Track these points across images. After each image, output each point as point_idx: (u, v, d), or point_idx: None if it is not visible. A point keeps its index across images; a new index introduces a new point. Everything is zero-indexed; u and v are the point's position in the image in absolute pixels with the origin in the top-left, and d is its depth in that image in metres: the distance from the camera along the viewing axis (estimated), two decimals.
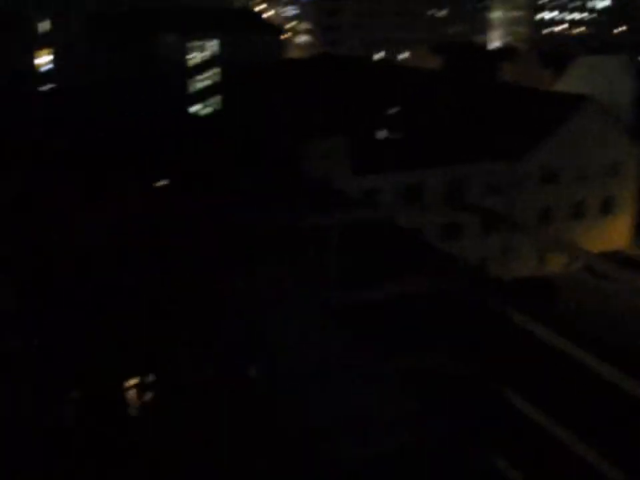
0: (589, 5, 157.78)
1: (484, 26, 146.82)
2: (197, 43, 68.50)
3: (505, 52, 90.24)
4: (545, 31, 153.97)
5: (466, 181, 43.68)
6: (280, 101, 54.34)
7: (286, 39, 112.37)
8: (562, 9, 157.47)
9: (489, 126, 46.42)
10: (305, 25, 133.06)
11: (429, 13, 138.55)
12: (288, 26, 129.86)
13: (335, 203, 31.07)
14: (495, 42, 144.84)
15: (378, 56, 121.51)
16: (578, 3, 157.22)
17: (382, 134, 51.63)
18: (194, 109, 67.78)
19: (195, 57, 68.79)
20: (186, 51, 68.10)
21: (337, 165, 40.04)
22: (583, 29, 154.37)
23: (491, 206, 43.51)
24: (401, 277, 21.86)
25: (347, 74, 63.04)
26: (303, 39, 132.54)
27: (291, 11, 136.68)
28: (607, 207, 49.23)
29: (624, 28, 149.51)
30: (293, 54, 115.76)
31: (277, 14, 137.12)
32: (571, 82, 53.65)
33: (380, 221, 28.83)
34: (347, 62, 72.65)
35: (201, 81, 69.38)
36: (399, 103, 54.68)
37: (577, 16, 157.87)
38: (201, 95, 68.87)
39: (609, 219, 49.55)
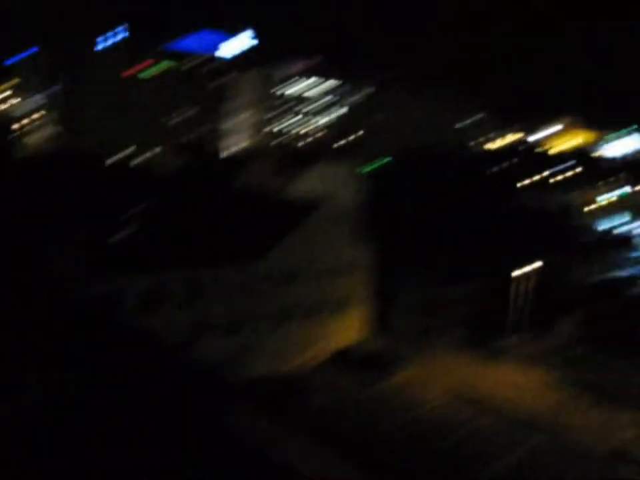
0: (323, 113, 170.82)
1: (223, 130, 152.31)
2: None
3: (242, 157, 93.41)
4: (281, 138, 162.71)
5: (208, 283, 43.24)
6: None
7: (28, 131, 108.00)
8: (297, 115, 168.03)
9: (226, 229, 46.65)
10: (53, 115, 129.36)
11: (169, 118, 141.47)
12: (36, 115, 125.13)
13: None
14: (233, 147, 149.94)
15: (125, 152, 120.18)
16: (313, 111, 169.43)
17: (120, 235, 49.90)
18: None
19: None
20: None
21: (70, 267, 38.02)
22: (316, 135, 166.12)
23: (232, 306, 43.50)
24: None
25: (85, 172, 60.77)
26: (47, 131, 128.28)
27: (40, 100, 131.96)
28: (340, 305, 51.27)
29: (351, 137, 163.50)
30: (37, 147, 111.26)
31: (21, 103, 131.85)
32: (303, 185, 56.20)
33: None
34: (85, 158, 70.25)
35: None
36: (138, 203, 53.41)
37: (310, 124, 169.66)
38: None
39: (342, 316, 51.58)
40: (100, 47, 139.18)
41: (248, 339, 44.27)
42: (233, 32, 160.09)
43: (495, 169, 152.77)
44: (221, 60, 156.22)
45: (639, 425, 42.89)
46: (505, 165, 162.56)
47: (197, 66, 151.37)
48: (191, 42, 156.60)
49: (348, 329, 51.97)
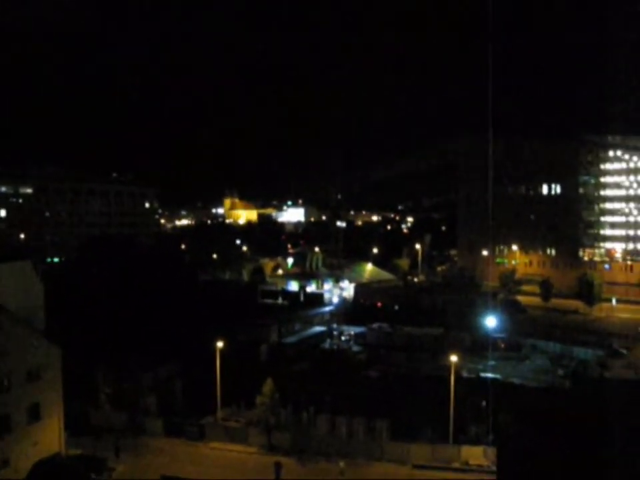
0: None
1: None
2: None
3: None
4: None
5: None
6: None
7: None
8: None
9: None
10: None
11: None
12: None
13: None
14: None
15: None
16: None
17: None
18: None
19: None
20: None
21: None
22: None
23: None
24: None
25: None
26: None
27: None
28: (34, 414, 47.94)
29: (26, 235, 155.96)
30: None
31: None
32: None
33: None
34: None
35: None
36: None
37: None
38: None
39: (38, 426, 48.22)
40: None
41: None
42: None
43: (179, 247, 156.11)
44: None
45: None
46: (189, 242, 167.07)
47: None
48: None
49: (46, 438, 48.68)
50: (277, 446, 52.31)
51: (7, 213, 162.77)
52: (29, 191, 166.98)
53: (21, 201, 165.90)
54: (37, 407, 48.10)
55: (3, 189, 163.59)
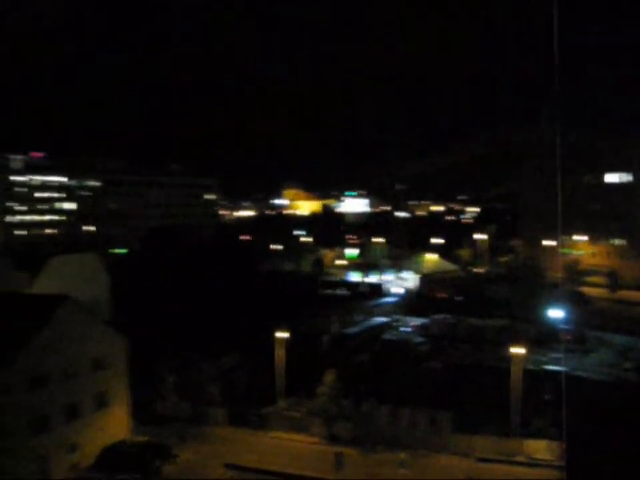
0: (56, 206, 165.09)
1: None
2: None
3: None
4: (17, 233, 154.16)
5: None
6: None
7: None
8: (30, 212, 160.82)
9: None
10: None
11: None
12: None
13: None
14: None
15: None
16: (46, 206, 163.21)
17: None
18: None
19: None
20: None
21: None
22: (55, 230, 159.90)
23: None
24: None
25: None
26: None
27: None
28: (101, 401, 49.18)
29: (94, 227, 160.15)
30: None
31: None
32: (47, 282, 53.77)
33: None
34: None
35: None
36: None
37: (46, 217, 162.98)
38: None
39: (105, 413, 49.50)
40: None
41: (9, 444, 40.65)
42: None
43: (239, 238, 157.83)
44: None
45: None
46: (250, 233, 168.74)
47: None
48: None
49: (113, 425, 49.93)
50: (338, 436, 52.25)
51: (78, 205, 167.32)
52: (97, 184, 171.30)
53: (89, 193, 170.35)
54: (103, 395, 49.41)
55: (74, 182, 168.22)
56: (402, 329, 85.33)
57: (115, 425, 50.27)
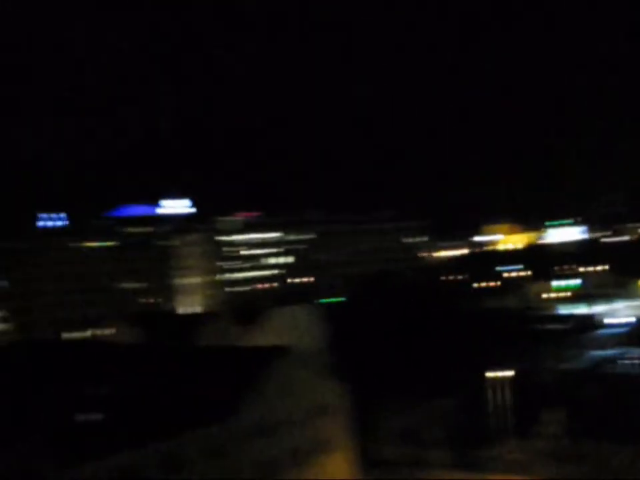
0: (270, 261, 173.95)
1: (173, 293, 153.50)
2: None
3: (201, 315, 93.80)
4: (235, 290, 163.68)
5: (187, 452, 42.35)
6: None
7: None
8: (246, 268, 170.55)
9: (197, 389, 46.25)
10: None
11: (121, 286, 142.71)
12: None
13: None
14: (188, 307, 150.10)
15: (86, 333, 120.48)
16: (262, 262, 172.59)
17: (84, 416, 48.69)
18: None
19: None
20: None
21: None
22: (269, 284, 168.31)
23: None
24: None
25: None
26: None
27: None
28: (325, 447, 50.32)
29: (307, 279, 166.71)
30: None
31: None
32: (266, 334, 56.64)
33: None
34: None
35: None
36: (102, 381, 52.73)
37: (261, 273, 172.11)
38: None
39: (329, 457, 50.48)
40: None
41: None
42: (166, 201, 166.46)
43: (451, 277, 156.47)
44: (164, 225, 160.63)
45: None
46: (460, 271, 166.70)
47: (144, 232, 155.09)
48: (127, 212, 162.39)
49: (338, 471, 50.83)
50: (568, 479, 49.30)
51: (293, 258, 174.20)
52: (311, 236, 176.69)
53: (303, 247, 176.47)
54: (327, 440, 50.48)
55: (292, 237, 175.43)
56: (631, 361, 79.33)
57: (340, 470, 51.05)
